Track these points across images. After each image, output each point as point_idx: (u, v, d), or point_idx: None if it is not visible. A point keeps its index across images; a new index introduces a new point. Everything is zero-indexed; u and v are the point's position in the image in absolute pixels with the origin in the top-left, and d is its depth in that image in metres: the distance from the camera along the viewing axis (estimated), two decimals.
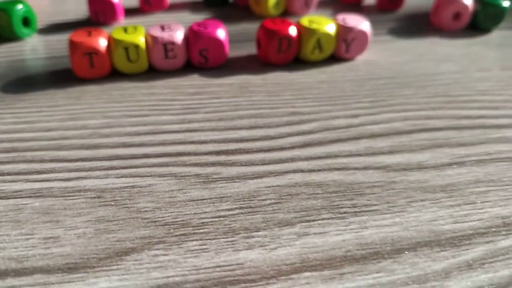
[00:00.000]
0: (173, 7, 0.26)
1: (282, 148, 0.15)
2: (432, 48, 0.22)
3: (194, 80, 0.19)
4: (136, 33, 0.18)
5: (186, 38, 0.19)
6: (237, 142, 0.15)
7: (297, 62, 0.20)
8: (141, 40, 0.18)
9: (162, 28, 0.19)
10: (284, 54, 0.19)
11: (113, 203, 0.13)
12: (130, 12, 0.25)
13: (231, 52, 0.21)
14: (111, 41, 0.18)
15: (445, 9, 0.23)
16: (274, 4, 0.24)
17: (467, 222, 0.12)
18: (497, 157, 0.15)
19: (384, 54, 0.21)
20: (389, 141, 0.15)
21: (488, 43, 0.23)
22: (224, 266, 0.11)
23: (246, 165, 0.14)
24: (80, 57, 0.18)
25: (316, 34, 0.19)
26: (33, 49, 0.22)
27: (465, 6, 0.23)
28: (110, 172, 0.14)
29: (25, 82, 0.19)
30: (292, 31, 0.19)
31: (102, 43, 0.18)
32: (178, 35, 0.18)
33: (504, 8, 0.23)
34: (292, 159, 0.14)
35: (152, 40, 0.18)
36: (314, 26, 0.19)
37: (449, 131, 0.16)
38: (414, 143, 0.15)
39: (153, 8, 0.25)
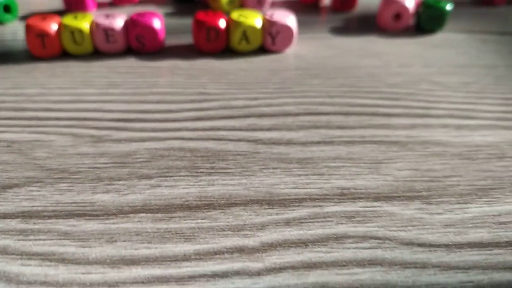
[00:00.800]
0: (143, 2, 0.29)
1: (175, 120, 0.17)
2: (364, 45, 0.23)
3: (129, 63, 0.21)
4: (84, 19, 0.21)
5: (126, 26, 0.21)
6: (139, 113, 0.17)
7: (229, 52, 0.22)
8: (85, 26, 0.21)
9: (106, 16, 0.21)
10: (213, 43, 0.22)
11: (17, 151, 0.15)
12: (102, 5, 0.28)
13: (175, 40, 0.23)
14: (61, 25, 0.21)
15: (386, 9, 0.24)
16: (228, 0, 0.27)
17: (306, 189, 0.14)
18: (368, 140, 0.16)
19: (315, 49, 0.23)
20: (274, 120, 0.17)
21: (424, 43, 0.24)
22: (79, 203, 0.13)
23: (136, 131, 0.16)
24: (33, 38, 0.21)
25: (241, 26, 0.21)
26: (12, 32, 0.25)
27: (405, 7, 0.24)
28: (26, 129, 0.16)
29: None
30: (221, 23, 0.21)
31: (53, 27, 0.21)
32: (118, 23, 0.21)
33: (446, 10, 0.24)
34: (179, 129, 0.16)
35: (95, 26, 0.21)
36: (241, 19, 0.21)
37: (336, 116, 0.17)
38: (295, 123, 0.17)
39: (123, 2, 0.28)
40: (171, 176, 0.14)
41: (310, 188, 0.14)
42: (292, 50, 0.23)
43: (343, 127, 0.17)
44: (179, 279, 0.11)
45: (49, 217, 0.13)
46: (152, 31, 0.21)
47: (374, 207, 0.13)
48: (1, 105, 0.18)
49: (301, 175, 0.14)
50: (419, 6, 0.25)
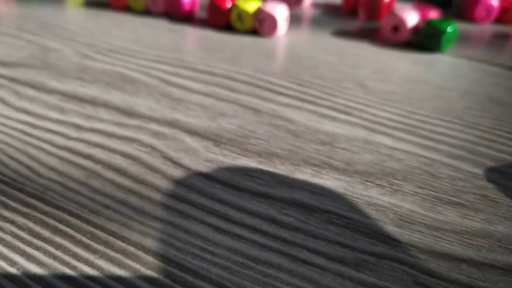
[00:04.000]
0: None
1: (131, 54, 0.23)
2: (347, 48, 0.25)
3: (156, 22, 0.28)
4: None
5: None
6: (112, 52, 0.24)
7: (231, 28, 0.27)
8: None
9: None
10: (218, 18, 0.27)
11: None
12: None
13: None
14: None
15: (386, 21, 0.25)
16: None
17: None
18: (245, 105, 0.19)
19: (299, 40, 0.25)
20: (192, 73, 0.21)
21: (405, 58, 0.23)
22: None
23: (99, 61, 0.23)
24: None
25: (237, 8, 0.26)
26: None
27: (402, 21, 0.24)
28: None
29: None
30: (225, 3, 0.26)
31: None
32: None
33: (444, 31, 0.23)
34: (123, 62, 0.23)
35: None
36: (239, 2, 0.26)
37: (244, 85, 0.21)
38: (206, 79, 0.21)
39: None
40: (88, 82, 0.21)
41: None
42: (282, 37, 0.26)
43: (233, 90, 0.20)
44: None
45: None
46: (179, 2, 0.28)
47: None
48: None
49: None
50: (421, 23, 0.24)
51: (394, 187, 0.14)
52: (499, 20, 0.29)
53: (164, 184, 0.14)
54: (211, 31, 0.27)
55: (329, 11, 0.31)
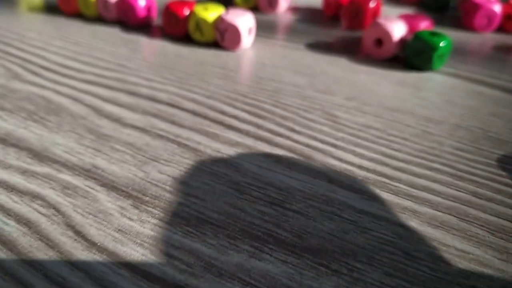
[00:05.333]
0: None
1: (68, 76, 0.20)
2: (320, 65, 0.21)
3: (107, 30, 0.25)
4: None
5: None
6: (57, 65, 0.21)
7: (190, 39, 0.23)
8: None
9: None
10: (174, 28, 0.23)
11: None
12: None
13: None
14: None
15: (368, 33, 0.21)
16: None
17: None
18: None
19: (265, 55, 0.22)
20: (133, 98, 0.18)
21: (387, 78, 0.20)
22: None
23: (37, 77, 0.20)
24: None
25: (195, 17, 0.22)
26: None
27: (387, 33, 0.20)
28: None
29: None
30: (183, 10, 0.22)
31: None
32: None
33: (435, 46, 0.19)
34: (61, 83, 0.19)
35: None
36: (198, 10, 0.22)
37: (183, 113, 0.17)
38: (149, 107, 0.17)
39: None
40: (9, 111, 0.17)
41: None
42: (246, 51, 0.22)
43: (175, 122, 0.16)
44: None
45: None
46: (133, 8, 0.24)
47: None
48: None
49: (89, 146, 0.15)
50: (410, 35, 0.20)
51: (354, 274, 0.11)
52: (502, 28, 0.25)
53: (54, 266, 0.11)
54: (168, 41, 0.23)
55: (308, 17, 0.28)
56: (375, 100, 0.18)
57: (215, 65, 0.21)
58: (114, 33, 0.25)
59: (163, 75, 0.20)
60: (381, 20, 0.21)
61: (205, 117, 0.17)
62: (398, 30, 0.20)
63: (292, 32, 0.25)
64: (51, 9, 0.29)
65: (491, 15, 0.24)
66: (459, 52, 0.23)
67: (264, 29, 0.26)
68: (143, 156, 0.15)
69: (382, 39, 0.21)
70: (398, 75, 0.20)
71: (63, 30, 0.25)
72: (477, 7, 0.24)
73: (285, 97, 0.18)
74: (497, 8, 0.24)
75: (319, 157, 0.15)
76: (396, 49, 0.21)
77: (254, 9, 0.28)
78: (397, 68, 0.21)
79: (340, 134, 0.16)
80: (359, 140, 0.16)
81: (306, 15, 0.28)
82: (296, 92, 0.19)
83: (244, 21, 0.21)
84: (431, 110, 0.18)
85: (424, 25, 0.21)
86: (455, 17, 0.28)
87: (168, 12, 0.23)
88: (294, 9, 0.29)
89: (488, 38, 0.25)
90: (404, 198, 0.13)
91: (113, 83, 0.19)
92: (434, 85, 0.19)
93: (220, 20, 0.21)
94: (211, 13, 0.22)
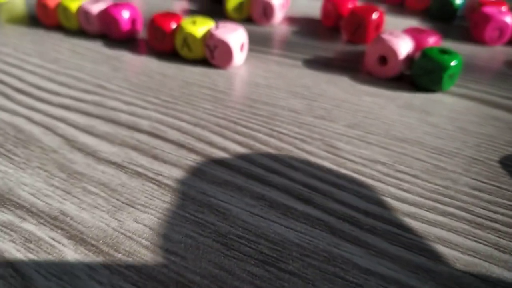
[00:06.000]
0: None
1: (42, 100, 0.18)
2: (319, 85, 0.19)
3: (89, 44, 0.23)
4: (75, 0, 0.24)
5: (102, 12, 0.23)
6: (31, 86, 0.19)
7: (177, 55, 0.22)
8: (74, 5, 0.23)
9: (96, 0, 0.24)
10: (160, 43, 0.21)
11: None
12: None
13: None
14: (60, 1, 0.24)
15: (371, 49, 0.19)
16: (235, 8, 0.25)
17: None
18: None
19: (258, 74, 0.20)
20: (107, 126, 0.16)
21: (393, 100, 0.18)
22: None
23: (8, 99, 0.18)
24: (39, 7, 0.25)
25: (182, 32, 0.20)
26: None
27: (392, 50, 0.19)
28: None
29: None
30: (169, 25, 0.21)
31: (53, 0, 0.24)
32: (95, 8, 0.23)
33: (446, 66, 0.18)
34: (35, 109, 0.17)
35: (80, 7, 0.23)
36: (185, 25, 0.20)
37: (167, 144, 0.15)
38: (125, 135, 0.16)
39: None
40: None
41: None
42: (238, 69, 0.20)
43: (156, 157, 0.15)
44: None
45: None
46: (116, 21, 0.22)
47: None
48: None
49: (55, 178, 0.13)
50: (417, 52, 0.19)
51: None
52: None
53: None
54: (153, 58, 0.22)
55: (305, 28, 0.26)
56: (380, 127, 0.16)
57: (203, 86, 0.19)
58: (95, 48, 0.23)
59: (146, 98, 0.18)
60: (386, 35, 0.19)
61: (191, 149, 0.15)
62: (404, 46, 0.19)
63: (288, 46, 0.23)
64: (32, 20, 0.27)
65: (502, 27, 0.23)
66: (469, 68, 0.21)
67: (258, 42, 0.24)
68: (118, 200, 0.13)
69: (386, 56, 0.19)
70: (404, 97, 0.18)
71: (41, 45, 0.23)
72: (488, 18, 0.22)
73: (280, 124, 0.16)
74: (509, 19, 0.22)
75: (319, 200, 0.13)
76: (402, 67, 0.19)
77: (248, 20, 0.26)
78: (403, 88, 0.19)
79: (342, 171, 0.14)
80: (363, 178, 0.14)
81: (303, 27, 0.26)
82: (293, 118, 0.17)
83: (236, 36, 0.19)
84: (443, 140, 0.16)
85: (432, 40, 0.20)
86: (463, 28, 0.26)
87: (154, 27, 0.21)
88: (291, 20, 0.27)
89: (500, 51, 0.23)
90: (416, 253, 0.11)
91: (91, 108, 0.17)
92: (444, 109, 0.18)
93: (209, 35, 0.20)
94: (199, 27, 0.20)
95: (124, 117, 0.17)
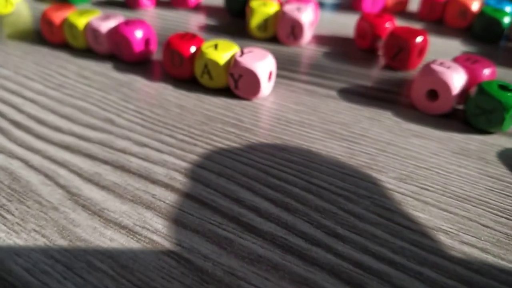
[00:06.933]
0: (200, 9, 0.28)
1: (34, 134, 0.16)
2: (359, 123, 0.17)
3: (97, 66, 0.21)
4: (87, 16, 0.21)
5: (112, 31, 0.21)
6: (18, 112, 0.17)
7: (197, 83, 0.19)
8: (81, 23, 0.21)
9: (106, 17, 0.21)
10: (177, 69, 0.19)
11: None
12: (162, 4, 0.28)
13: None
14: (66, 18, 0.22)
15: (418, 81, 0.17)
16: (259, 26, 0.23)
17: None
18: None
19: (292, 110, 0.18)
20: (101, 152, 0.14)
21: (446, 143, 0.16)
22: None
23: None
24: (44, 24, 0.22)
25: (203, 57, 0.18)
26: None
27: (445, 84, 0.16)
28: None
29: None
30: (188, 49, 0.18)
31: (59, 17, 0.22)
32: (104, 26, 0.21)
33: (508, 105, 0.15)
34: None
35: (88, 25, 0.21)
36: (206, 49, 0.18)
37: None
38: (121, 158, 0.13)
39: (179, 4, 0.28)
40: None
41: None
42: (265, 101, 0.18)
43: (174, 220, 0.12)
44: None
45: None
46: (127, 40, 0.20)
47: None
48: None
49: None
50: (472, 87, 0.16)
51: None
52: None
53: None
54: (169, 85, 0.19)
55: (337, 50, 0.23)
56: (436, 181, 0.14)
57: (226, 122, 0.17)
58: (104, 71, 0.20)
59: (160, 137, 0.16)
60: (436, 66, 0.17)
61: (215, 209, 0.13)
62: (458, 80, 0.16)
63: (319, 70, 0.21)
64: (37, 36, 0.24)
65: None
66: None
67: (285, 66, 0.21)
68: (129, 280, 0.11)
69: (437, 90, 0.16)
70: (457, 140, 0.16)
71: (45, 67, 0.21)
72: None
73: (319, 175, 0.14)
74: None
75: (374, 286, 0.10)
76: (455, 104, 0.17)
77: (273, 39, 0.24)
78: (454, 128, 0.17)
79: (399, 243, 0.12)
80: (424, 254, 0.11)
81: (335, 48, 0.24)
82: (333, 166, 0.14)
83: (263, 65, 0.17)
84: (504, 197, 0.13)
85: (488, 72, 0.17)
86: (510, 50, 0.24)
87: (170, 50, 0.19)
88: (320, 39, 0.24)
89: None
90: None
91: (96, 150, 0.15)
92: (504, 155, 0.15)
93: (234, 62, 0.17)
94: (223, 53, 0.18)
95: (135, 163, 0.14)
